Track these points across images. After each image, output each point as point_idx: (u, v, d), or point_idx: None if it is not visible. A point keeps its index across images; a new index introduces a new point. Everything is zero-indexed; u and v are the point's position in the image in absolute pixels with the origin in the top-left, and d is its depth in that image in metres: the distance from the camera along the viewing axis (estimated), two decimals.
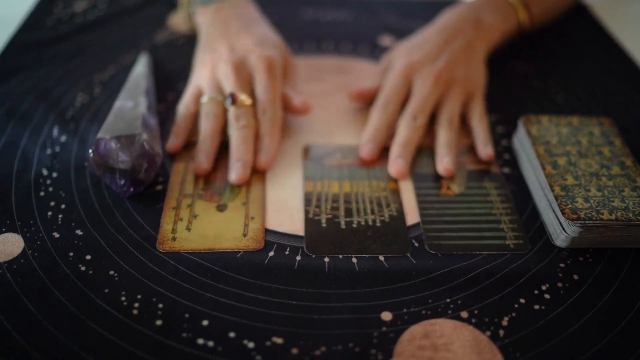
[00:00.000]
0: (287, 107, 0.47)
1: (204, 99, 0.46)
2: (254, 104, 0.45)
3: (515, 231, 0.39)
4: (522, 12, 0.55)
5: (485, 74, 0.51)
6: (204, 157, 0.43)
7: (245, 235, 0.39)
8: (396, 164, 0.44)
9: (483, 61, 0.51)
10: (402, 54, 0.50)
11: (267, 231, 0.39)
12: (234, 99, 0.45)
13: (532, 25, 0.57)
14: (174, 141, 0.45)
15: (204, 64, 0.48)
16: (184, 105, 0.47)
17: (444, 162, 0.44)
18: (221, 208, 0.40)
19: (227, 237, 0.38)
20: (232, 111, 0.44)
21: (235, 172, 0.42)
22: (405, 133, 0.45)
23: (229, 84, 0.46)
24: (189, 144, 0.46)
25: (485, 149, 0.45)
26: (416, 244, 0.39)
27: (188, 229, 0.39)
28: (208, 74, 0.47)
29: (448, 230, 0.39)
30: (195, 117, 0.47)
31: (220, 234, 0.39)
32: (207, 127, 0.44)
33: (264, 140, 0.44)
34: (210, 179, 0.43)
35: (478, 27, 0.52)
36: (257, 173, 0.44)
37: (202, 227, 0.39)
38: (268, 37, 0.50)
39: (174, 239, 0.38)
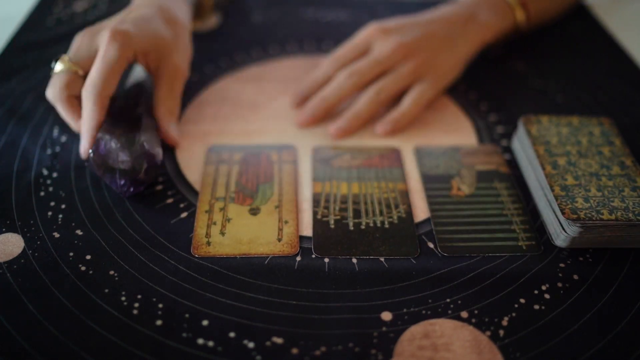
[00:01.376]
0: (161, 133, 0.44)
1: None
2: (85, 76, 0.42)
3: (527, 232, 0.39)
4: (519, 12, 0.55)
5: (457, 72, 0.50)
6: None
7: (279, 240, 0.38)
8: (302, 112, 0.47)
9: (461, 59, 0.51)
10: (380, 22, 0.50)
11: None
12: (56, 61, 0.42)
13: (529, 25, 0.57)
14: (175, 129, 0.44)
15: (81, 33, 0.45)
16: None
17: (334, 125, 0.46)
18: (254, 211, 0.40)
19: (261, 242, 0.38)
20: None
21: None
22: (333, 87, 0.46)
23: (70, 51, 0.43)
24: (223, 149, 0.46)
25: (383, 125, 0.46)
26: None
27: (222, 233, 0.39)
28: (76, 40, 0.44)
29: (459, 232, 0.39)
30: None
31: (255, 239, 0.38)
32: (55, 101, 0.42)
33: (83, 125, 0.40)
34: (242, 182, 0.43)
35: (471, 24, 0.52)
36: (287, 176, 0.43)
37: (236, 232, 0.39)
38: (150, 23, 0.44)
39: (208, 243, 0.38)
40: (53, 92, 0.42)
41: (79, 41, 0.43)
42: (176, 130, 0.45)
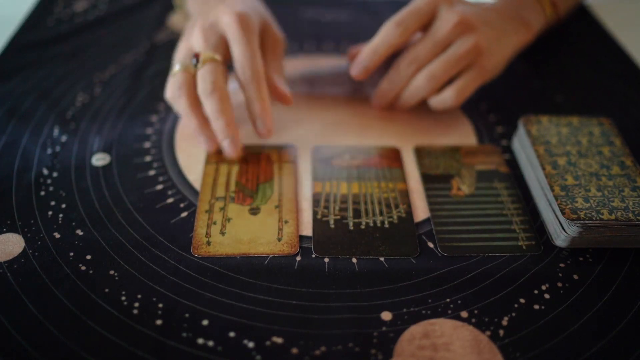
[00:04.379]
0: (270, 90, 0.44)
1: (175, 69, 0.43)
2: (226, 63, 0.43)
3: (527, 232, 0.39)
4: (550, 11, 0.53)
5: (500, 69, 0.48)
6: (202, 138, 0.43)
7: (279, 240, 0.38)
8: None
9: (506, 56, 0.48)
10: None
11: None
12: (197, 58, 0.41)
13: (557, 24, 0.54)
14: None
15: (181, 42, 0.46)
16: (171, 92, 0.43)
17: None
18: (254, 211, 0.40)
19: (261, 242, 0.38)
20: (198, 74, 0.41)
21: (228, 151, 0.42)
22: (394, 76, 0.46)
23: (198, 46, 0.43)
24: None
25: (437, 98, 0.45)
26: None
27: (222, 233, 0.39)
28: (183, 47, 0.45)
29: (459, 232, 0.39)
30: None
31: (255, 239, 0.38)
32: (180, 104, 0.42)
33: (253, 106, 0.42)
34: (242, 182, 0.43)
35: (517, 22, 0.49)
36: (287, 176, 0.43)
37: (236, 231, 0.39)
38: (247, 3, 0.46)
39: (208, 243, 0.38)
40: (176, 90, 0.42)
41: (201, 34, 0.43)
42: (286, 87, 0.45)
